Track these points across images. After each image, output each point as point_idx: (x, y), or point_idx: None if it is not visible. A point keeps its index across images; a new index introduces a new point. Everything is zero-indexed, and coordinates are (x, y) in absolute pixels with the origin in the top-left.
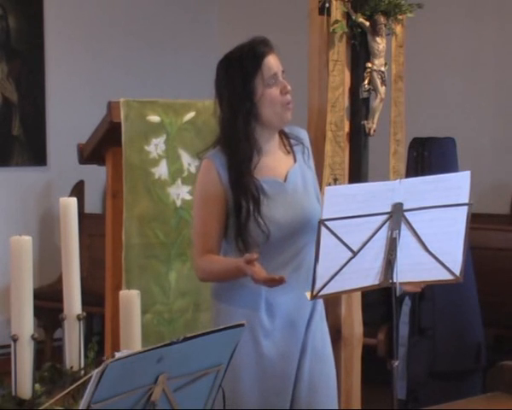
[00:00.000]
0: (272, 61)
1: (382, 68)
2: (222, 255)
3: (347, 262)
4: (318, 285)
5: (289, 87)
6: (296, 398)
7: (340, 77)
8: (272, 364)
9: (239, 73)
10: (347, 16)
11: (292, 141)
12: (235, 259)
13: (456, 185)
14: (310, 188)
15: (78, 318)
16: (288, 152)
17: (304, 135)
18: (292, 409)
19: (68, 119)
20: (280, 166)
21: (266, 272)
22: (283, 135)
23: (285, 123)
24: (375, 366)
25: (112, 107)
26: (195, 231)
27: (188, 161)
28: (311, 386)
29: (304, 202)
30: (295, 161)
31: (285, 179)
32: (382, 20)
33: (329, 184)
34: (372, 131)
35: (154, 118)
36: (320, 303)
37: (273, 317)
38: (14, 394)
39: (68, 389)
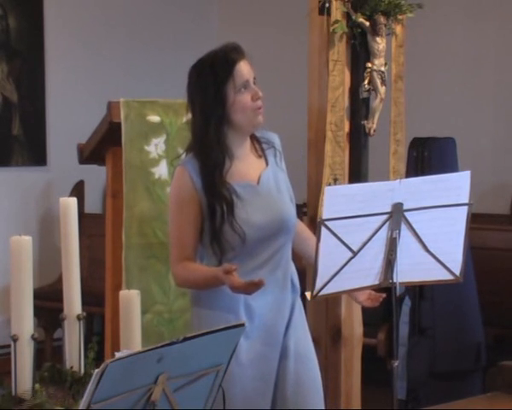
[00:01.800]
0: (244, 68)
1: (382, 68)
2: (198, 260)
3: (347, 262)
4: (318, 285)
5: (260, 93)
6: (282, 399)
7: (340, 77)
8: (252, 364)
9: (211, 80)
10: (347, 16)
11: (263, 145)
12: (214, 268)
13: (456, 185)
14: (283, 190)
15: (78, 318)
16: (260, 156)
17: (275, 139)
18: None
19: (68, 119)
20: (252, 170)
21: (244, 278)
22: (255, 139)
23: (256, 127)
24: (375, 366)
25: (112, 107)
26: (172, 238)
27: None
28: (297, 386)
29: (278, 204)
30: (267, 164)
31: (258, 182)
32: (382, 20)
33: (329, 184)
34: (372, 131)
35: (154, 118)
36: (298, 298)
37: (252, 318)
38: (14, 394)
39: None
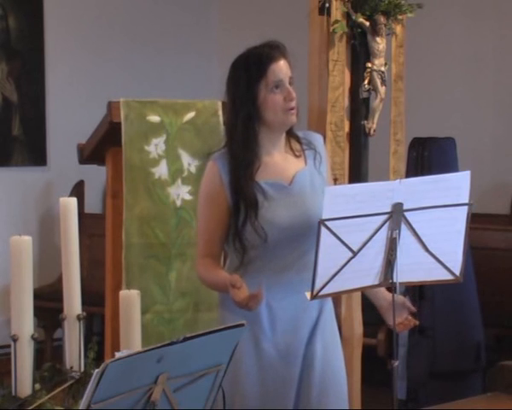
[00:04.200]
0: (280, 68)
1: (382, 68)
2: (224, 255)
3: (347, 262)
4: (318, 285)
5: (294, 94)
6: (307, 401)
7: (340, 77)
8: (273, 367)
9: (243, 77)
10: (347, 16)
11: (304, 146)
12: (226, 275)
13: (456, 185)
14: (318, 192)
15: (78, 318)
16: (299, 156)
17: (316, 141)
18: None
19: (68, 119)
20: (287, 169)
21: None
22: (295, 139)
23: (288, 125)
24: (375, 366)
25: (112, 107)
26: (198, 233)
27: (188, 161)
28: (322, 387)
29: (309, 206)
30: (306, 164)
31: (291, 182)
32: (382, 20)
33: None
34: (372, 131)
35: (154, 118)
36: (328, 301)
37: (274, 320)
38: (14, 394)
39: (65, 386)
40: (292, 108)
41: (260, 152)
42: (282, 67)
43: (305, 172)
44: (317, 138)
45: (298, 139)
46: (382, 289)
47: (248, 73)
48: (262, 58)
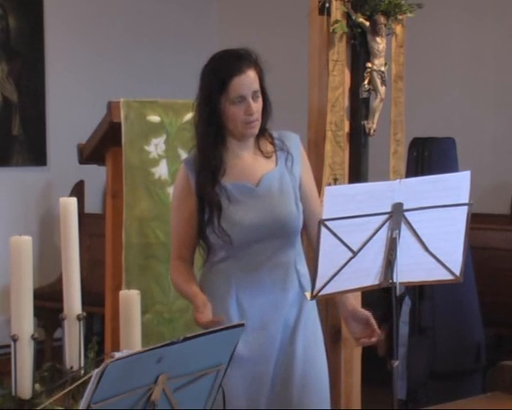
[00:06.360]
0: (242, 82)
1: (382, 68)
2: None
3: (347, 262)
4: (318, 285)
5: (254, 109)
6: (288, 400)
7: (340, 77)
8: (244, 366)
9: (206, 85)
10: (347, 16)
11: (276, 147)
12: (194, 289)
13: (456, 185)
14: (288, 193)
15: (78, 318)
16: (269, 157)
17: (291, 142)
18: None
19: (68, 119)
20: (255, 171)
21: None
22: (268, 139)
23: (247, 138)
24: (375, 366)
25: (112, 107)
26: (171, 235)
27: None
28: (303, 389)
29: (277, 207)
30: (276, 165)
31: (258, 184)
32: (382, 20)
33: (329, 184)
34: (372, 131)
35: (154, 118)
36: (308, 302)
37: (245, 319)
38: (14, 394)
39: (68, 389)
40: (251, 122)
41: (226, 155)
42: (245, 82)
43: (275, 173)
44: (291, 138)
45: (271, 140)
46: (348, 297)
47: (211, 83)
48: (225, 71)
